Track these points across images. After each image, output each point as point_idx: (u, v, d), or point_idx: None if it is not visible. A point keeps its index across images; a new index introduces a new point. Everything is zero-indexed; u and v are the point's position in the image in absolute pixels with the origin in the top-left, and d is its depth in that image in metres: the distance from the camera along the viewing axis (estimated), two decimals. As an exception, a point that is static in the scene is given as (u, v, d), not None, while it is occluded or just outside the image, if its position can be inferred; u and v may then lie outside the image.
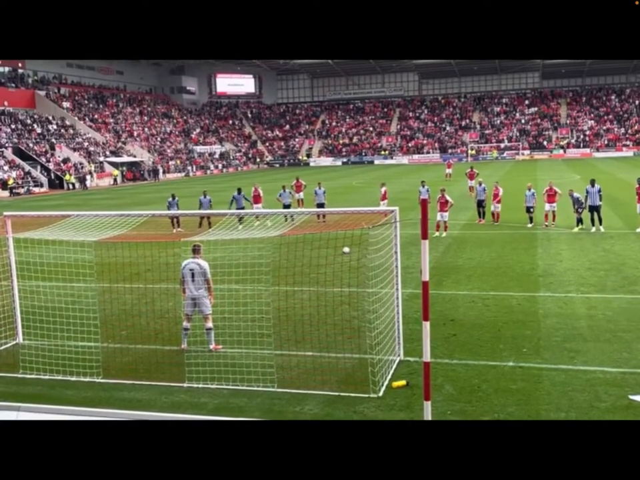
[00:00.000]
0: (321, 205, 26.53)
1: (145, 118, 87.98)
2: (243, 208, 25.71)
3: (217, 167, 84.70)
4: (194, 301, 10.92)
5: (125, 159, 72.32)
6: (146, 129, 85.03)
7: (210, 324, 10.96)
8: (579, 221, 22.69)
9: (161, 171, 73.08)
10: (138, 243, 13.62)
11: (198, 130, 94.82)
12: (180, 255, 12.49)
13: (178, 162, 79.80)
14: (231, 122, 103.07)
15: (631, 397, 8.70)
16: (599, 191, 22.25)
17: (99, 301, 12.45)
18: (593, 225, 22.54)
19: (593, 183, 22.63)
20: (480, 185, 26.15)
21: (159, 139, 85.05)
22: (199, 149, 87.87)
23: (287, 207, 26.44)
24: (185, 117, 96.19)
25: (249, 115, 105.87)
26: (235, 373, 9.70)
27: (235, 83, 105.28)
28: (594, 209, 22.44)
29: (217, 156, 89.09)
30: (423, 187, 26.73)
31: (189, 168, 79.64)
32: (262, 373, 9.59)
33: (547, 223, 23.47)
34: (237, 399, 9.28)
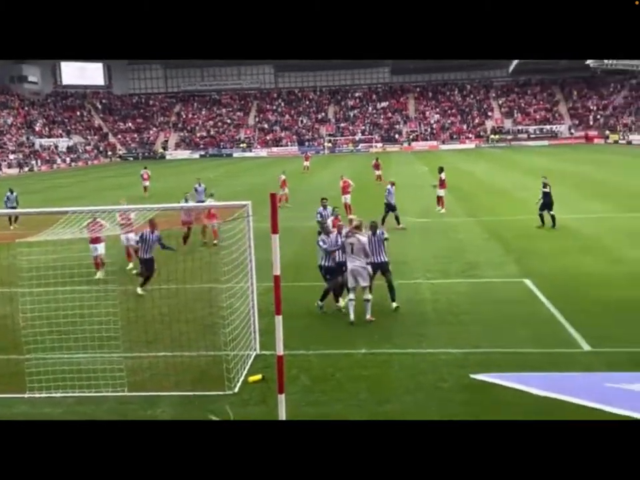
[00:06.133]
0: (200, 202, 24.89)
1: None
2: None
3: (64, 161, 79.82)
4: (352, 273, 11.81)
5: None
6: (-18, 120, 78.29)
7: (369, 295, 11.92)
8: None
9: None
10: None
11: (42, 122, 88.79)
12: (16, 257, 11.45)
13: (20, 155, 74.26)
14: (78, 113, 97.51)
15: (472, 376, 9.26)
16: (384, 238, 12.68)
17: None
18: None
19: (374, 229, 12.61)
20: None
21: (-3, 131, 78.66)
22: (43, 141, 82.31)
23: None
24: (26, 108, 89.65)
25: (99, 106, 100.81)
26: (82, 380, 9.18)
27: (83, 73, 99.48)
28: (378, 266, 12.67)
29: (63, 149, 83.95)
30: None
31: (33, 162, 74.36)
32: (111, 378, 9.14)
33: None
34: (84, 406, 8.78)
